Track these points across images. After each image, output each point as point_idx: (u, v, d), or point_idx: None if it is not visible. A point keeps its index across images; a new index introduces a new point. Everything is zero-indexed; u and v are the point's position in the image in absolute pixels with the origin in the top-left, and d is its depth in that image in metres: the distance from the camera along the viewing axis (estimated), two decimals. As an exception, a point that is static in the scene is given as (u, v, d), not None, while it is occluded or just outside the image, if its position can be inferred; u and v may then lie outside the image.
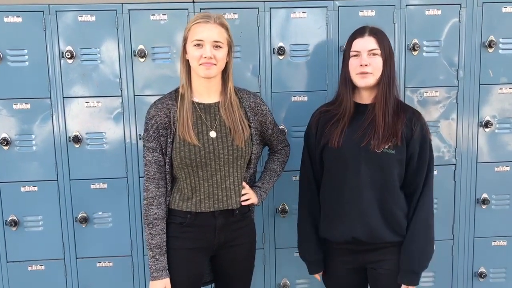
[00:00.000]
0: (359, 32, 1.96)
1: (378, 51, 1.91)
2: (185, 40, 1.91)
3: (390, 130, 1.91)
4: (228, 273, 2.08)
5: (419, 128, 1.95)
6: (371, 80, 1.92)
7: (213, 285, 2.20)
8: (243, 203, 2.01)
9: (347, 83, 1.98)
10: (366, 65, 1.90)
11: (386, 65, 1.93)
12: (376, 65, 1.92)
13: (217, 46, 1.86)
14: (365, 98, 2.00)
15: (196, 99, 1.95)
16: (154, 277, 1.93)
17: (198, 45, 1.85)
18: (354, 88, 1.98)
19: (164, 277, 1.94)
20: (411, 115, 1.96)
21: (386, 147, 1.91)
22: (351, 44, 1.96)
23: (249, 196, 2.03)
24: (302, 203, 2.14)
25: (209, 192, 1.94)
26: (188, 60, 1.91)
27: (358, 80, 1.94)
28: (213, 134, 1.92)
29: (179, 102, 1.92)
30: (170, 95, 1.98)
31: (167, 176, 1.94)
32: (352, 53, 1.95)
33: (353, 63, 1.94)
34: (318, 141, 2.03)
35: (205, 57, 1.84)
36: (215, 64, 1.86)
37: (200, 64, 1.85)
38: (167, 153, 1.92)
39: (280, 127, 2.49)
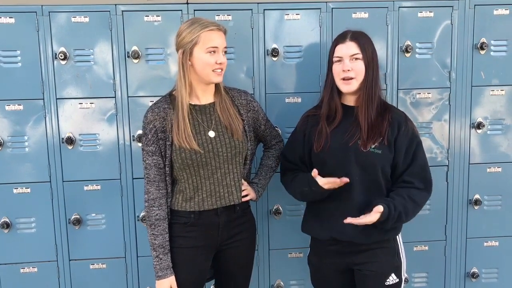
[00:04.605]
0: (341, 38, 1.99)
1: (360, 56, 1.95)
2: (190, 45, 1.89)
3: (374, 130, 1.94)
4: (230, 269, 2.11)
5: (404, 128, 1.96)
6: (354, 86, 1.96)
7: (213, 281, 2.22)
8: (242, 199, 2.05)
9: (333, 88, 2.01)
10: (348, 70, 1.94)
11: (369, 68, 1.96)
12: (358, 70, 1.95)
13: (225, 52, 1.96)
14: (351, 100, 2.03)
15: (191, 102, 1.98)
16: (159, 276, 1.96)
17: (213, 52, 1.90)
18: (339, 91, 2.01)
19: (170, 275, 1.96)
20: (396, 116, 1.99)
21: (373, 146, 1.93)
22: (334, 49, 2.00)
23: (248, 192, 2.08)
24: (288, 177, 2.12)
25: (211, 190, 1.98)
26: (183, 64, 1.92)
27: (341, 86, 1.98)
28: (212, 134, 1.97)
29: (176, 107, 1.93)
30: (165, 99, 2.00)
31: (167, 178, 1.98)
32: (335, 59, 1.99)
33: (336, 69, 1.98)
34: (307, 142, 2.05)
35: (219, 63, 1.91)
36: (223, 69, 1.95)
37: (213, 70, 1.91)
38: (167, 155, 1.95)
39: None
